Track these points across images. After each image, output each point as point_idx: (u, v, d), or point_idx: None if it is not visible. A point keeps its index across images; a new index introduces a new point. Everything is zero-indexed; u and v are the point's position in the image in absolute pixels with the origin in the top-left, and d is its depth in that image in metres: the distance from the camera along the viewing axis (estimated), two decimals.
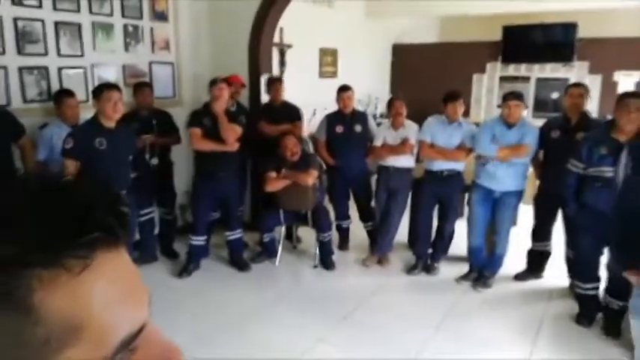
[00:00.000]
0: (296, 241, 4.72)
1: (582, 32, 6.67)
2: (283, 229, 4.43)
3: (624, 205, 2.91)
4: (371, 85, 7.18)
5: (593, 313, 3.33)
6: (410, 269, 4.19)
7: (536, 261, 4.04)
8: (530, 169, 3.93)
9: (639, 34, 6.26)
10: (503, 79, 7.39)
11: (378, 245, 4.33)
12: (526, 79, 7.27)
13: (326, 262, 4.25)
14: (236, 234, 4.17)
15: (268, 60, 4.90)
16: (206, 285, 3.91)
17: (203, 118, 3.84)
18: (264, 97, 4.74)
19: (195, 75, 4.78)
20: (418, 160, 4.26)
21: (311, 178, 4.06)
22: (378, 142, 4.26)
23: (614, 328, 3.17)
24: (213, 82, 3.84)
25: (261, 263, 4.29)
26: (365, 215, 4.56)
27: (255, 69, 4.76)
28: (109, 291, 0.39)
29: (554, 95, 6.87)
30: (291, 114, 4.56)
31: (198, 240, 4.08)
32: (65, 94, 3.59)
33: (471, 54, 7.33)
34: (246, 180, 4.75)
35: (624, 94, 3.27)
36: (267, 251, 4.31)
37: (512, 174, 3.69)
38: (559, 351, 3.08)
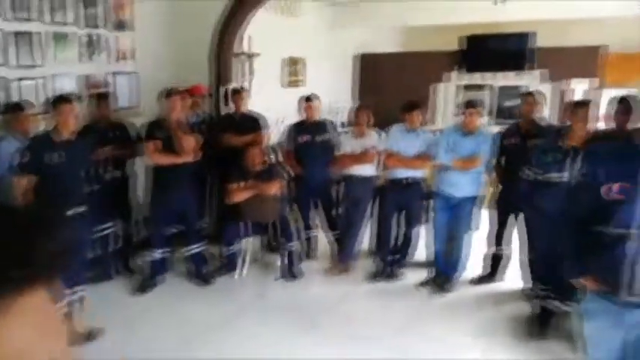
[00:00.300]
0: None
1: (541, 41, 6.89)
2: (246, 241, 4.34)
3: (575, 211, 3.00)
4: (335, 94, 7.24)
5: (547, 314, 3.42)
6: (373, 276, 4.22)
7: (493, 265, 4.14)
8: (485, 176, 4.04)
9: (595, 42, 6.50)
10: (465, 87, 7.54)
11: (342, 254, 4.36)
12: (486, 87, 7.44)
13: (292, 271, 4.24)
14: (196, 248, 4.10)
15: (230, 70, 4.90)
16: (167, 299, 3.84)
17: (159, 130, 3.80)
18: (226, 108, 4.73)
19: (157, 85, 4.72)
20: (383, 169, 4.31)
21: (274, 188, 4.06)
22: (341, 151, 4.30)
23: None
24: (168, 94, 3.81)
25: (225, 276, 4.22)
26: (329, 224, 4.58)
27: (218, 79, 4.76)
28: (21, 335, 0.37)
29: (514, 102, 7.05)
30: (253, 124, 4.55)
31: (157, 253, 3.98)
32: (17, 107, 3.48)
33: (433, 63, 7.45)
34: (205, 192, 4.69)
35: (576, 103, 3.42)
36: (230, 264, 4.25)
37: (469, 180, 3.79)
38: (515, 352, 3.17)
